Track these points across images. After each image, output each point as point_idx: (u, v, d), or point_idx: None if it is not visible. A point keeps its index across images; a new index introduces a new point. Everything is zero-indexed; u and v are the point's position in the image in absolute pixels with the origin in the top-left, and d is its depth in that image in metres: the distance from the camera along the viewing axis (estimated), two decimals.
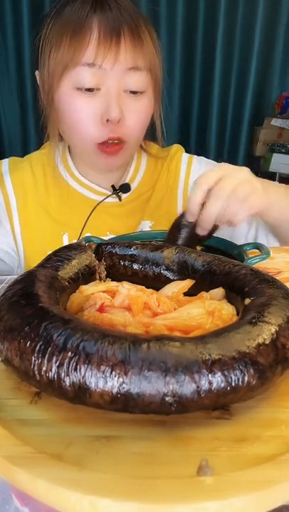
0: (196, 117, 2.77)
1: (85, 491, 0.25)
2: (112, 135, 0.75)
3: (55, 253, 0.47)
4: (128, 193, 0.88)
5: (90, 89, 0.73)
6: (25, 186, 0.86)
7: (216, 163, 0.96)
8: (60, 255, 0.46)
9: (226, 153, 2.79)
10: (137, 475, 0.27)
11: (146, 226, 0.89)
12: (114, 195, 0.86)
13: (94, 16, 0.70)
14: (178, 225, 0.63)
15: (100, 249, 0.51)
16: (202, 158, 0.96)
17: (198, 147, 2.77)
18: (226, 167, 0.64)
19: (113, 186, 0.86)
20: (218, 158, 2.77)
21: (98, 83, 0.72)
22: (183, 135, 2.76)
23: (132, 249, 0.51)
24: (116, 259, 0.51)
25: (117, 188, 0.86)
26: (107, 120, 0.73)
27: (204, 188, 0.61)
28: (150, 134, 0.87)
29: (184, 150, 0.96)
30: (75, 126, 0.76)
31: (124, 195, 0.88)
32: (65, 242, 0.85)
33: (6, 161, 0.89)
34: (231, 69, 2.69)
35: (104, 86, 0.73)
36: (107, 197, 0.84)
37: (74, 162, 0.88)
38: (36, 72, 0.82)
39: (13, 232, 0.86)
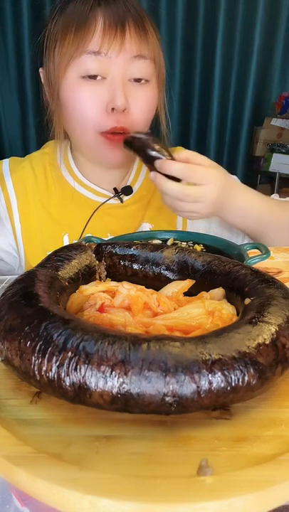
0: (196, 117, 2.78)
1: (85, 491, 0.25)
2: (116, 125, 0.75)
3: (55, 253, 0.47)
4: (130, 195, 0.88)
5: (95, 78, 0.73)
6: (26, 186, 0.86)
7: None
8: (60, 255, 0.46)
9: (226, 153, 2.79)
10: (137, 475, 0.27)
11: (146, 228, 0.89)
12: (115, 197, 0.86)
13: (98, 9, 0.72)
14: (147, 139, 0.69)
15: (100, 249, 0.51)
16: None
17: (198, 147, 2.77)
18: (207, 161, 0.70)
19: (115, 189, 0.86)
20: (218, 158, 2.78)
21: (104, 71, 0.73)
22: (183, 135, 2.76)
23: (132, 249, 0.51)
24: (116, 259, 0.51)
25: (119, 190, 0.86)
26: (113, 109, 0.73)
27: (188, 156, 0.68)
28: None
29: None
30: (80, 116, 0.76)
31: (125, 197, 0.88)
32: (66, 243, 0.85)
33: (6, 161, 0.89)
34: (231, 69, 2.69)
35: (109, 75, 0.73)
36: (110, 199, 0.84)
37: (75, 162, 0.88)
38: (40, 70, 0.82)
39: (14, 231, 0.86)
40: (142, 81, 0.76)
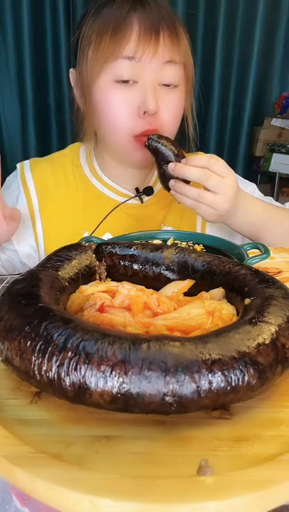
0: (196, 117, 2.77)
1: (85, 491, 0.25)
2: (149, 127, 0.77)
3: (56, 253, 0.47)
4: (150, 196, 0.89)
5: (127, 82, 0.76)
6: (47, 187, 0.88)
7: (236, 174, 0.96)
8: (61, 255, 0.46)
9: (226, 153, 2.79)
10: (137, 475, 0.27)
11: None
12: (136, 198, 0.88)
13: (134, 15, 0.74)
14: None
15: (100, 249, 0.51)
16: None
17: (198, 147, 2.76)
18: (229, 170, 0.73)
19: (137, 189, 0.88)
20: None
21: (136, 75, 0.75)
22: (183, 135, 2.76)
23: (132, 249, 0.51)
24: (116, 260, 0.51)
25: (141, 190, 0.87)
26: (144, 112, 0.76)
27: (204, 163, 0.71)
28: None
29: None
30: (112, 120, 0.79)
31: (146, 198, 0.89)
32: None
33: (27, 163, 0.91)
34: (231, 69, 2.68)
35: (141, 78, 0.76)
36: (130, 198, 0.86)
37: (99, 162, 0.90)
38: (71, 70, 0.84)
39: (35, 232, 0.87)
40: (171, 86, 0.78)
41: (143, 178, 0.90)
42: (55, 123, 2.54)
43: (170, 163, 0.73)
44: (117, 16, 0.74)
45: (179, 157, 0.74)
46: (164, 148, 0.73)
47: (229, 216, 0.77)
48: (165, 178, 0.75)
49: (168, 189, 0.76)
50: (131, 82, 0.76)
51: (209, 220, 0.77)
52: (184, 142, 0.92)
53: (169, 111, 0.79)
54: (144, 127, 0.77)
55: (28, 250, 0.88)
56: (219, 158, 0.73)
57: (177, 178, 0.74)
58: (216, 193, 0.71)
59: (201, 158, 0.72)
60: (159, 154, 0.74)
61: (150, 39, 0.73)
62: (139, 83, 0.76)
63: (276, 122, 2.67)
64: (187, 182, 0.74)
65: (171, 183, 0.74)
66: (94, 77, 0.77)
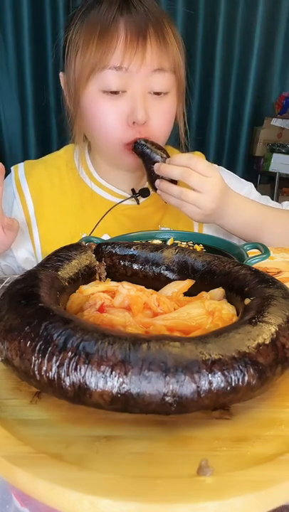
0: (196, 117, 2.78)
1: (85, 491, 0.25)
2: (139, 136, 0.76)
3: (55, 253, 0.47)
4: (146, 197, 0.89)
5: (115, 92, 0.74)
6: (42, 190, 0.87)
7: (233, 174, 0.96)
8: (60, 255, 0.46)
9: (226, 153, 2.79)
10: (137, 475, 0.27)
11: None
12: (132, 198, 0.87)
13: (121, 19, 0.71)
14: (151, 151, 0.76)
15: (100, 249, 0.51)
16: (222, 168, 0.95)
17: (198, 147, 2.76)
18: (214, 169, 0.73)
19: (133, 190, 0.87)
20: (218, 158, 2.77)
21: (124, 86, 0.74)
22: (178, 140, 2.76)
23: (132, 249, 0.51)
24: (116, 259, 0.51)
25: (137, 191, 0.87)
26: (133, 122, 0.75)
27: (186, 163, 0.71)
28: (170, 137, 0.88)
29: (204, 158, 0.96)
30: (102, 129, 0.77)
31: (142, 199, 0.89)
32: None
33: (21, 166, 0.89)
34: (231, 69, 2.69)
35: (129, 88, 0.74)
36: (126, 199, 0.85)
37: (93, 164, 0.89)
38: (60, 74, 0.82)
39: (32, 237, 0.86)
40: (162, 93, 0.76)
41: (138, 180, 0.90)
42: (55, 123, 2.55)
43: (155, 164, 0.75)
44: (103, 21, 0.72)
45: (164, 158, 0.75)
46: (149, 151, 0.75)
47: (218, 216, 0.76)
48: (152, 179, 0.77)
49: (155, 189, 0.77)
50: (120, 92, 0.74)
51: (196, 220, 0.76)
52: (180, 147, 0.91)
53: (160, 119, 0.77)
54: (134, 136, 0.76)
55: (25, 255, 0.87)
56: (201, 158, 0.73)
57: (163, 177, 0.75)
58: (199, 192, 0.71)
59: (182, 157, 0.72)
60: (146, 157, 0.76)
61: (137, 46, 0.71)
62: (128, 92, 0.74)
63: (276, 122, 2.67)
64: (175, 183, 0.74)
65: (157, 182, 0.75)
66: (82, 86, 0.75)
